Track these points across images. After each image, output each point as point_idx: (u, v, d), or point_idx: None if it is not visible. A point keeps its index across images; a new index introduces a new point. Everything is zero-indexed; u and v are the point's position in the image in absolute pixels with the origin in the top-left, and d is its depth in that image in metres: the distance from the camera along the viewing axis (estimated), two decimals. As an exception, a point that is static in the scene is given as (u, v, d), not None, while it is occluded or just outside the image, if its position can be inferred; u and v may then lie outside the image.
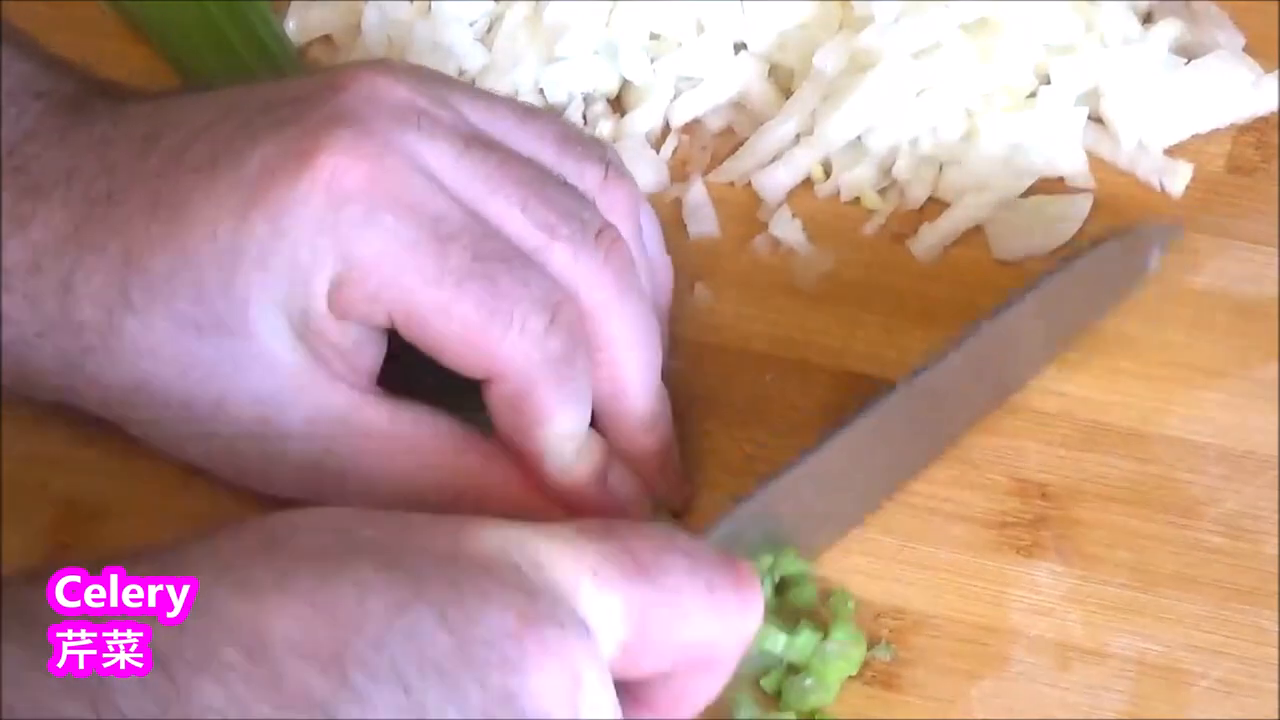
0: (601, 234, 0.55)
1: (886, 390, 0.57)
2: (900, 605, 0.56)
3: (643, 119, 0.67)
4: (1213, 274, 0.62)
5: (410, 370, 0.56)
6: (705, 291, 0.63)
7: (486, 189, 0.54)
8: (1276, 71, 0.66)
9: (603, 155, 0.58)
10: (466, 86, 0.58)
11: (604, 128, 0.67)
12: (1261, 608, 0.56)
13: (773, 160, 0.66)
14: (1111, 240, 0.61)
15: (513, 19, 0.68)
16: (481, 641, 0.43)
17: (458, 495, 0.55)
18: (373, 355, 0.56)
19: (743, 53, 0.68)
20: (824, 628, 0.55)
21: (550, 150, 0.57)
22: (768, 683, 0.55)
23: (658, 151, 0.67)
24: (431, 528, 0.46)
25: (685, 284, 0.63)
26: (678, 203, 0.65)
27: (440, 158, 0.54)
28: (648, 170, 0.66)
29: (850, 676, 0.55)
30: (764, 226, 0.65)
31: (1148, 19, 0.68)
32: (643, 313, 0.56)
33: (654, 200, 0.65)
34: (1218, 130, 0.66)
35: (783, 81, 0.68)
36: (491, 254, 0.54)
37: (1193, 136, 0.66)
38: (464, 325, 0.53)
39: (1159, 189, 0.65)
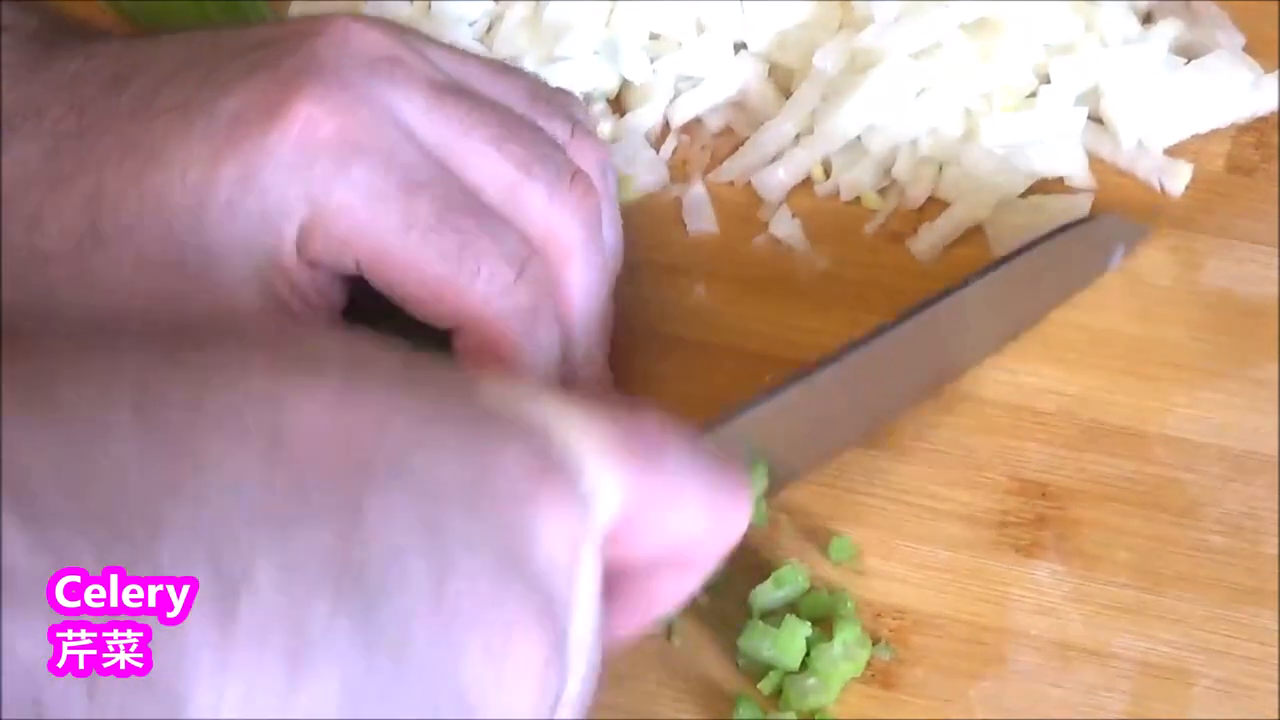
0: (575, 179, 0.56)
1: (815, 365, 0.57)
2: (900, 605, 0.56)
3: (643, 119, 0.67)
4: (1213, 274, 0.63)
5: (376, 310, 0.56)
6: (705, 291, 0.63)
7: (460, 131, 0.55)
8: (1276, 71, 0.66)
9: (570, 112, 0.59)
10: (437, 41, 0.59)
11: (604, 128, 0.67)
12: (1262, 607, 0.56)
13: (772, 160, 0.66)
14: (1073, 229, 0.61)
15: (513, 19, 0.68)
16: (499, 478, 0.42)
17: None
18: (336, 296, 0.56)
19: (743, 52, 0.68)
20: (818, 623, 0.55)
21: (519, 104, 0.58)
22: (766, 684, 0.55)
23: (658, 151, 0.67)
24: (446, 374, 0.45)
25: (685, 284, 0.63)
26: (678, 202, 0.65)
27: (412, 106, 0.55)
28: (648, 170, 0.66)
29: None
30: (764, 226, 0.65)
31: (1148, 19, 0.68)
32: (601, 262, 0.58)
33: (654, 200, 0.66)
34: (1218, 130, 0.66)
35: (783, 81, 0.68)
36: (461, 206, 0.54)
37: (1193, 136, 0.66)
38: (431, 275, 0.54)
39: (1159, 189, 0.65)
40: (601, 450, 0.45)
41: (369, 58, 0.55)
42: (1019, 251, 0.60)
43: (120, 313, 0.55)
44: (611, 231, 0.60)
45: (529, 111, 0.58)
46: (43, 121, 0.56)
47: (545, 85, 0.60)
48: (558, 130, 0.58)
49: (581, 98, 0.67)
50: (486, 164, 0.55)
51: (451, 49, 0.59)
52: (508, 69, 0.60)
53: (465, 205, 0.55)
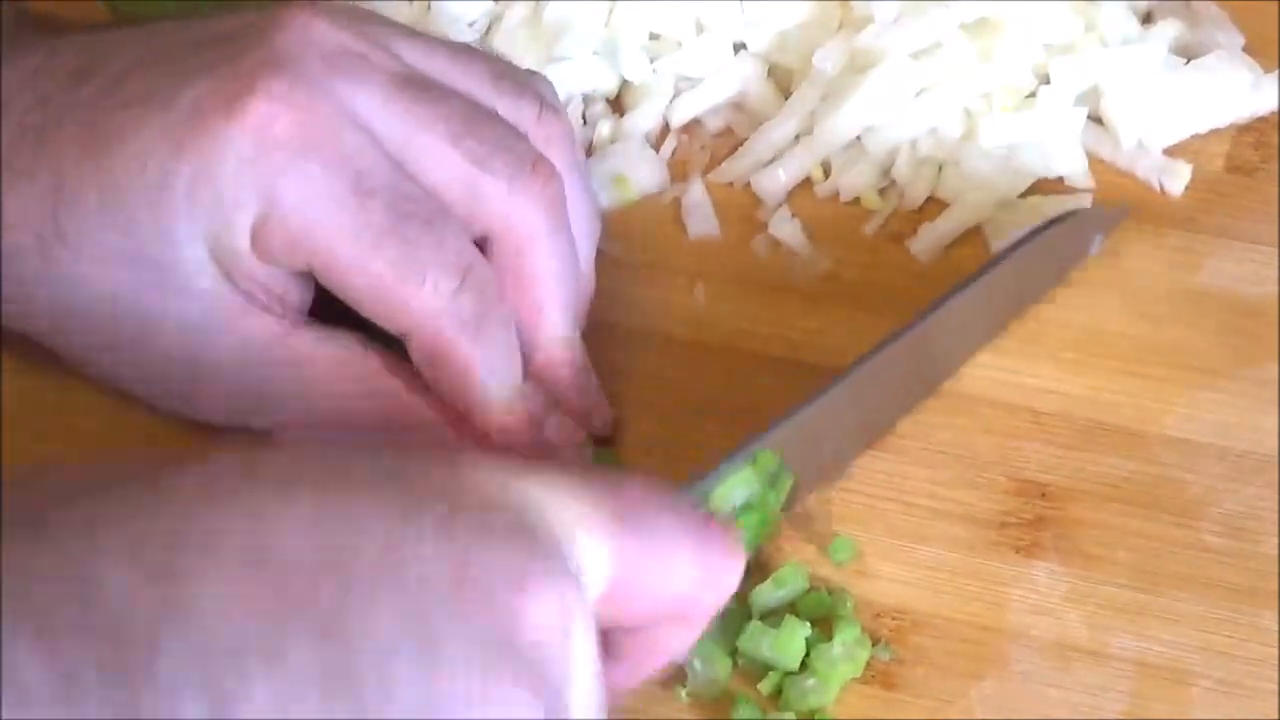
0: (537, 167, 0.57)
1: (833, 378, 0.57)
2: (900, 605, 0.56)
3: (642, 119, 0.67)
4: (1213, 274, 0.62)
5: (346, 311, 0.57)
6: (705, 291, 0.63)
7: (417, 128, 0.56)
8: (1276, 71, 0.66)
9: (537, 91, 0.59)
10: (400, 27, 0.59)
11: (604, 128, 0.67)
12: (1261, 607, 0.56)
13: (772, 160, 0.66)
14: (1054, 224, 0.61)
15: (512, 19, 0.68)
16: (482, 569, 0.43)
17: (386, 420, 0.57)
18: (300, 293, 0.57)
19: (742, 53, 0.68)
20: (818, 624, 0.55)
21: (484, 87, 0.58)
22: (766, 684, 0.55)
23: (657, 152, 0.67)
24: (425, 464, 0.46)
25: (685, 284, 0.63)
26: (677, 203, 0.65)
27: (370, 101, 0.55)
28: (647, 170, 0.66)
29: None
30: (763, 227, 0.65)
31: (1148, 19, 0.68)
32: (568, 247, 0.58)
33: (653, 200, 0.66)
34: (1217, 130, 0.66)
35: (782, 82, 0.67)
36: (411, 213, 0.55)
37: (1192, 136, 0.66)
38: (377, 282, 0.55)
39: (1159, 189, 0.65)
40: (587, 523, 0.46)
41: (329, 51, 0.55)
42: (1007, 251, 0.60)
43: (79, 308, 0.55)
44: (585, 204, 0.60)
45: (493, 95, 0.58)
46: (7, 116, 0.56)
47: (509, 65, 0.61)
48: (524, 110, 0.58)
49: (582, 99, 0.67)
50: (443, 161, 0.56)
51: (413, 35, 0.59)
52: (471, 52, 0.60)
53: (415, 213, 0.55)
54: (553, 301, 0.58)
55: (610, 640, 0.48)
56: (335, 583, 0.41)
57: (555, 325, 0.58)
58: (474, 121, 0.56)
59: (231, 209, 0.54)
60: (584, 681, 0.44)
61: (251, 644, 0.40)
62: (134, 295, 0.55)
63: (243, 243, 0.55)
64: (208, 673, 0.39)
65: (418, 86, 0.56)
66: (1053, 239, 0.61)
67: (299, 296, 0.57)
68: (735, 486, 0.55)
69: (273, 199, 0.54)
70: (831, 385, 0.57)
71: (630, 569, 0.46)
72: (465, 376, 0.56)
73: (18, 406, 0.61)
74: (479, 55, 0.60)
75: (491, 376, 0.56)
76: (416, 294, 0.55)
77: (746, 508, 0.55)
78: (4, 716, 0.37)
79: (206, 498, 0.42)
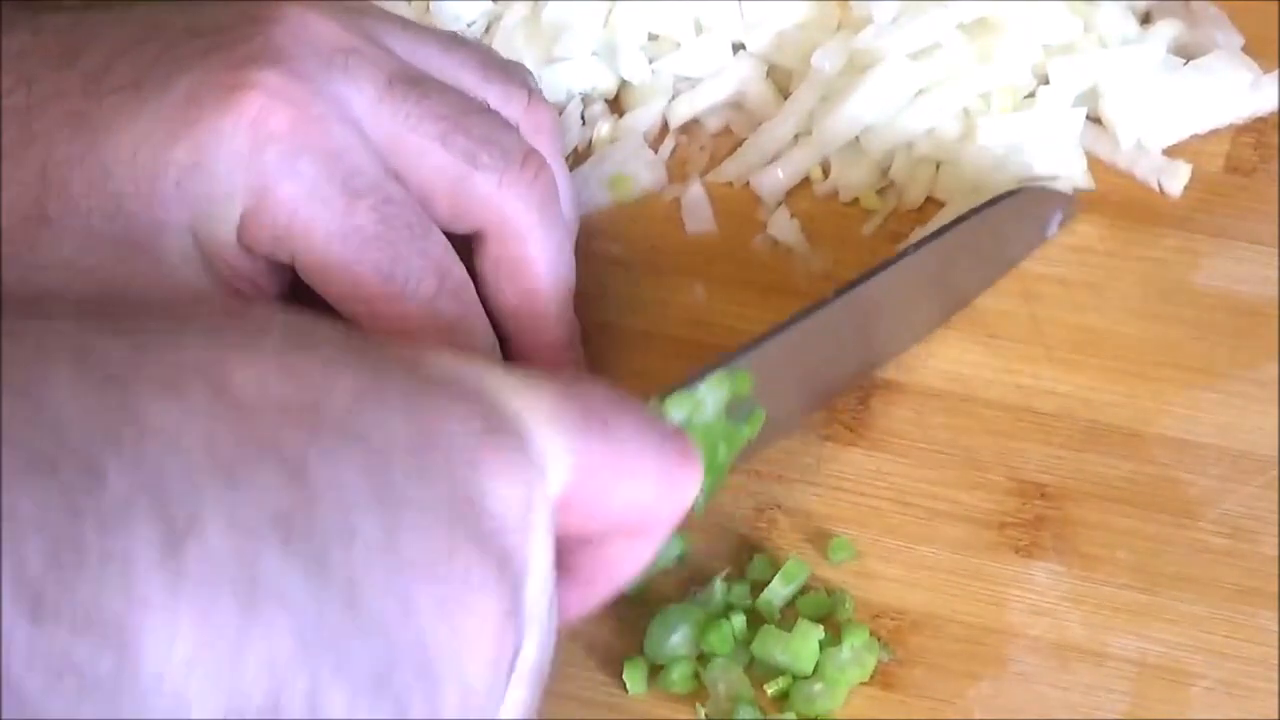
0: (527, 160, 0.57)
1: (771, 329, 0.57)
2: (900, 605, 0.56)
3: (641, 119, 0.67)
4: (1212, 274, 0.63)
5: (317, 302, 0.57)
6: (704, 291, 0.63)
7: (406, 126, 0.56)
8: (1276, 71, 0.66)
9: (525, 81, 0.60)
10: (391, 18, 0.59)
11: (603, 128, 0.67)
12: (1261, 608, 0.56)
13: (771, 160, 0.66)
14: (1006, 201, 0.61)
15: (511, 19, 0.68)
16: (446, 437, 0.42)
17: None
18: (278, 282, 0.57)
19: (741, 53, 0.68)
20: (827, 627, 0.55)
21: (473, 78, 0.58)
22: (773, 687, 0.55)
23: (656, 152, 0.67)
24: (388, 345, 0.45)
25: (685, 284, 0.63)
26: (676, 203, 0.65)
27: (362, 99, 0.55)
28: (646, 170, 0.66)
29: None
30: (762, 226, 0.65)
31: (1146, 19, 0.68)
32: (562, 238, 0.58)
33: (652, 200, 0.66)
34: (1216, 130, 0.66)
35: (781, 82, 0.68)
36: (396, 218, 0.55)
37: (1191, 137, 0.66)
38: (360, 284, 0.55)
39: (1158, 189, 0.65)
40: (550, 419, 0.45)
41: (325, 48, 0.55)
42: (951, 225, 0.60)
43: (59, 290, 0.55)
44: (568, 193, 0.61)
45: (483, 84, 0.58)
46: None
47: (496, 55, 0.61)
48: (514, 98, 0.59)
49: (580, 99, 0.67)
50: (433, 159, 0.56)
51: (405, 27, 0.59)
52: (461, 42, 0.60)
53: (401, 217, 0.55)
54: (548, 291, 0.58)
55: (566, 559, 0.48)
56: (298, 427, 0.40)
57: (551, 314, 0.58)
58: (463, 117, 0.57)
59: (222, 201, 0.54)
60: (540, 573, 0.43)
61: (204, 479, 0.38)
62: (113, 280, 0.55)
63: (229, 234, 0.54)
64: (156, 505, 0.37)
65: (408, 83, 0.56)
66: (1001, 219, 0.61)
67: (276, 285, 0.57)
68: (708, 395, 0.55)
69: (263, 193, 0.54)
70: (799, 319, 0.57)
71: (589, 470, 0.46)
72: None
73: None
74: (467, 46, 0.60)
75: None
76: (398, 299, 0.55)
77: (710, 426, 0.55)
78: None
79: (165, 335, 0.41)
